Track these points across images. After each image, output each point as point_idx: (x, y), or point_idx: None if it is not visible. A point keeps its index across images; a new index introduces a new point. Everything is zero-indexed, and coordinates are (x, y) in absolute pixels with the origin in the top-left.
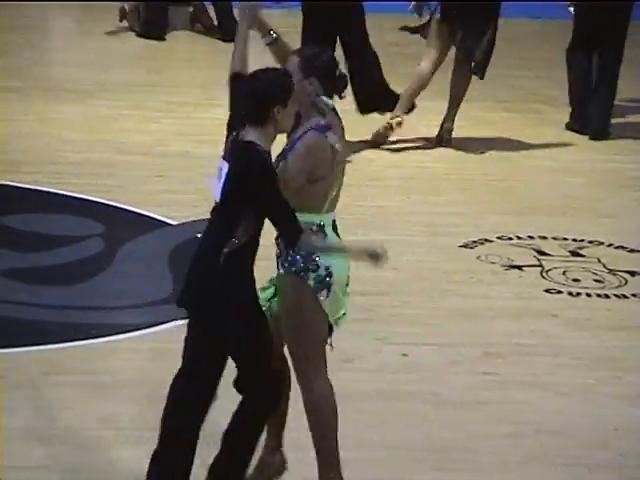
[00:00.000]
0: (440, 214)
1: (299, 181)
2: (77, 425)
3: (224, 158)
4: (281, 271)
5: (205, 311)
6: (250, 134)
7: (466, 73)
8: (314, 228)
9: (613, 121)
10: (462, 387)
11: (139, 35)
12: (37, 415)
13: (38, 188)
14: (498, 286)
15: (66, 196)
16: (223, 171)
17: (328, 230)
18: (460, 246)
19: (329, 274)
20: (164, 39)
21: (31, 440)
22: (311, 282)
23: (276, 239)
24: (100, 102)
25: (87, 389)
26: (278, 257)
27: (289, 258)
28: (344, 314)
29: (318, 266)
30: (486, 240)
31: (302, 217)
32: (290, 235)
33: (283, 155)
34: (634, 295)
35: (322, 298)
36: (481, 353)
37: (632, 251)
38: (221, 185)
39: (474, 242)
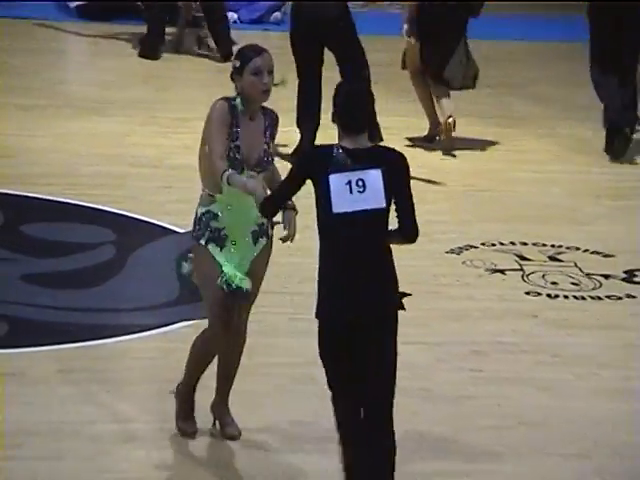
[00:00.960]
0: (428, 222)
1: None
2: (90, 419)
3: (353, 169)
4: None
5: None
6: (366, 139)
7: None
8: None
9: (590, 134)
10: (450, 383)
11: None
12: (54, 410)
13: (55, 199)
14: (482, 289)
15: (81, 206)
16: (375, 178)
17: None
18: (447, 252)
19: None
20: (157, 59)
21: (48, 433)
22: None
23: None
24: (112, 119)
25: (100, 386)
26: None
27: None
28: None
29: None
30: (471, 246)
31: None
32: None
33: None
34: (608, 297)
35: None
36: (467, 351)
37: (606, 256)
38: (382, 191)
39: (460, 248)
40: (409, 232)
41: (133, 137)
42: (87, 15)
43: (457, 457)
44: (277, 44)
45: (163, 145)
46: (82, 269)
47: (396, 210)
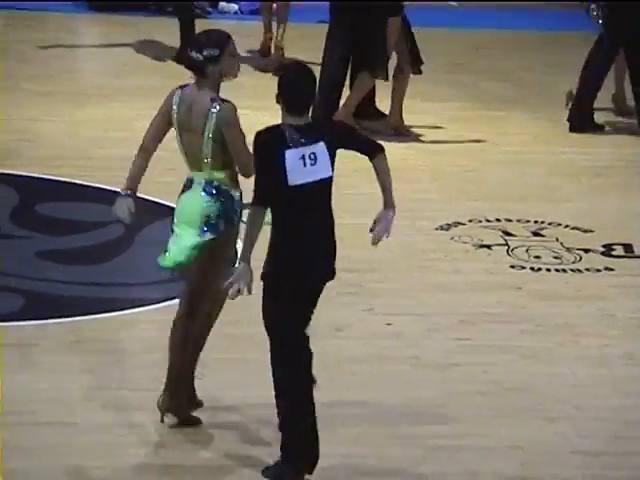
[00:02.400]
0: (419, 200)
1: None
2: (100, 386)
3: (304, 144)
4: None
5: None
6: (308, 116)
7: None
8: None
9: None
10: (439, 351)
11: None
12: (66, 378)
13: (67, 180)
14: (470, 263)
15: (91, 187)
16: (322, 150)
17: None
18: (436, 228)
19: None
20: None
21: (61, 400)
22: None
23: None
24: (121, 105)
25: (109, 355)
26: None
27: None
28: None
29: None
30: (459, 223)
31: None
32: None
33: None
34: (587, 269)
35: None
36: (455, 321)
37: (586, 231)
38: (328, 160)
39: (449, 225)
40: (378, 146)
41: (141, 122)
42: (97, 8)
43: (446, 421)
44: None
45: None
46: (92, 246)
47: (359, 149)
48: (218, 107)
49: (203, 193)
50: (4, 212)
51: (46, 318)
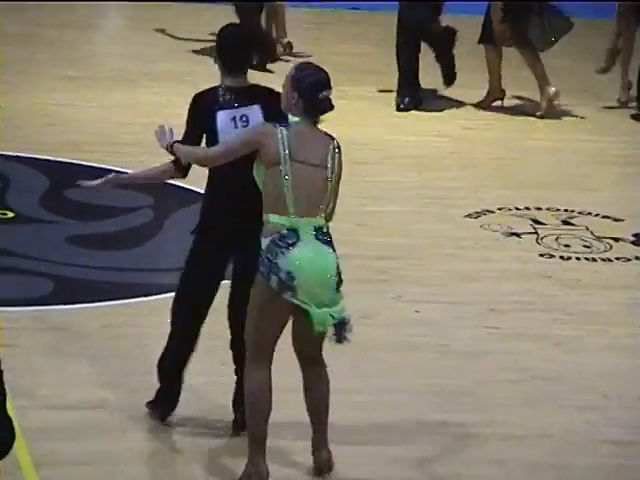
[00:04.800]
0: (448, 188)
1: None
2: (128, 371)
3: (237, 106)
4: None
5: None
6: (246, 79)
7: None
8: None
9: (601, 104)
10: (468, 339)
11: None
12: (95, 362)
13: (97, 165)
14: (499, 251)
15: (121, 172)
16: (256, 113)
17: (303, 236)
18: (465, 216)
19: (290, 278)
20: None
21: (90, 384)
22: (274, 284)
23: None
24: (150, 90)
25: (137, 340)
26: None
27: (260, 258)
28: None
29: (279, 269)
30: (488, 211)
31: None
32: None
33: None
34: (617, 259)
35: (287, 297)
36: (484, 309)
37: (616, 220)
38: None
39: (478, 213)
40: None
41: (170, 107)
42: None
43: (475, 409)
44: (307, 19)
45: None
46: (121, 231)
47: None
48: (338, 149)
49: (325, 245)
50: (34, 197)
51: (75, 303)
